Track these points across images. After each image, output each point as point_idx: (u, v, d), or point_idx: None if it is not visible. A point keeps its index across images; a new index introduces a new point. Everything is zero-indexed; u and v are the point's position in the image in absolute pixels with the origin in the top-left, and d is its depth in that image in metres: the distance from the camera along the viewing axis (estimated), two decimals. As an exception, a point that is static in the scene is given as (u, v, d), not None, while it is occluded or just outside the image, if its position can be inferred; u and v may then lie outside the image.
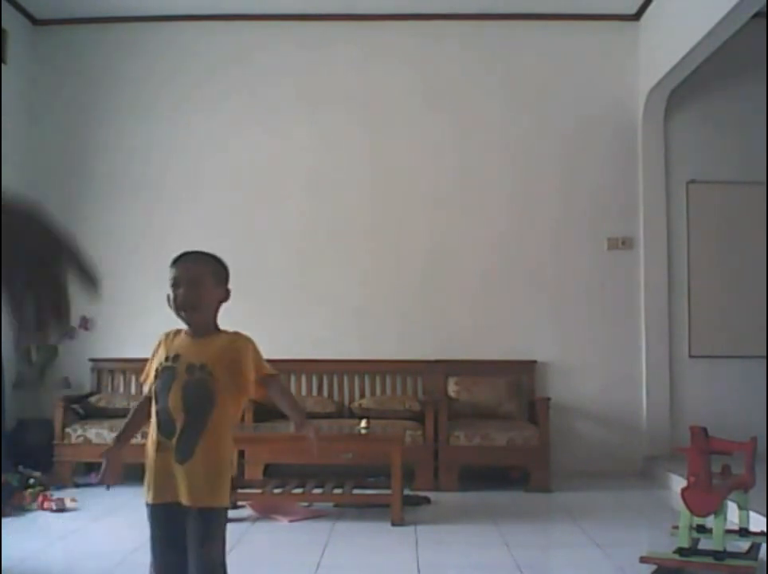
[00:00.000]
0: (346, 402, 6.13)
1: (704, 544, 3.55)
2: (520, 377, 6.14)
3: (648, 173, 6.32)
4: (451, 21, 6.41)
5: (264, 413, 5.75)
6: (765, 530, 3.77)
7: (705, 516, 3.42)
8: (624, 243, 6.31)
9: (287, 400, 2.42)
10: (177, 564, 2.16)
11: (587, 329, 6.28)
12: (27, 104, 6.37)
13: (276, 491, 4.77)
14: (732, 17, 4.87)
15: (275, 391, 2.35)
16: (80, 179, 6.43)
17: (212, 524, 2.15)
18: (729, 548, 3.45)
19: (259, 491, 4.81)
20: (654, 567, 3.44)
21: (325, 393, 6.18)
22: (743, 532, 3.70)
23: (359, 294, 6.25)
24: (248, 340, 2.29)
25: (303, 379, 6.23)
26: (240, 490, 4.82)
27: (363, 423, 4.79)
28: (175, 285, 2.21)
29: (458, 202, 6.35)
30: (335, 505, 4.80)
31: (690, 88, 6.23)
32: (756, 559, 3.50)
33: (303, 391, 6.20)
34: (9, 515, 4.57)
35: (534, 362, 6.23)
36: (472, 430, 5.52)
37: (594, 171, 6.36)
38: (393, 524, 4.41)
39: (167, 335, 2.30)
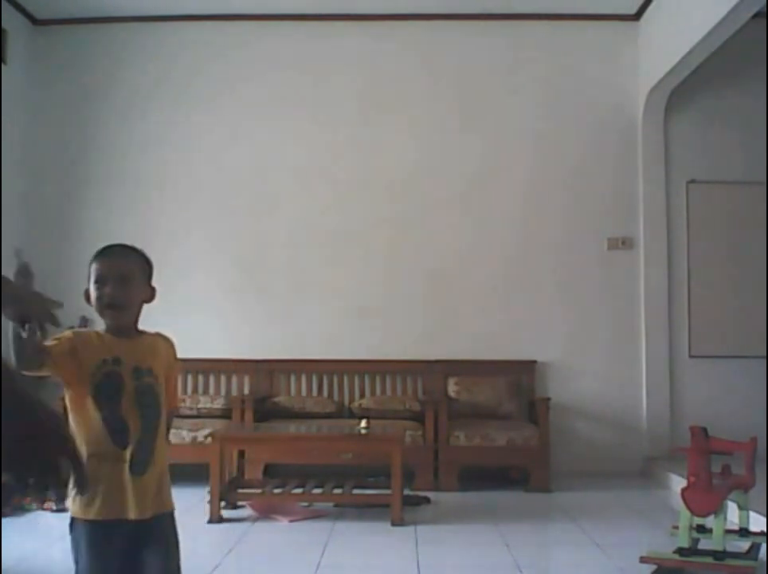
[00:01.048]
0: (346, 402, 6.13)
1: (704, 544, 3.55)
2: (520, 377, 6.14)
3: (648, 173, 6.32)
4: (450, 22, 6.41)
5: (265, 413, 5.76)
6: (765, 530, 3.77)
7: (705, 516, 3.42)
8: (624, 243, 6.31)
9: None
10: None
11: (587, 329, 6.28)
12: (27, 104, 6.37)
13: (276, 491, 4.77)
14: (732, 17, 4.86)
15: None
16: (80, 179, 6.43)
17: (173, 528, 2.04)
18: (729, 548, 3.45)
19: (259, 491, 4.81)
20: (654, 567, 3.44)
21: (325, 393, 6.18)
22: (743, 532, 3.70)
23: (359, 294, 6.25)
24: (173, 345, 2.15)
25: (303, 379, 6.23)
26: (240, 490, 4.82)
27: (363, 423, 4.79)
28: (100, 281, 2.04)
29: (457, 204, 6.35)
30: (335, 505, 4.80)
31: (690, 88, 6.23)
32: (756, 559, 3.50)
33: (304, 391, 6.19)
34: (9, 515, 4.57)
35: (534, 362, 6.22)
36: (472, 430, 5.52)
37: (594, 171, 6.36)
38: (393, 524, 4.41)
39: (85, 335, 2.07)
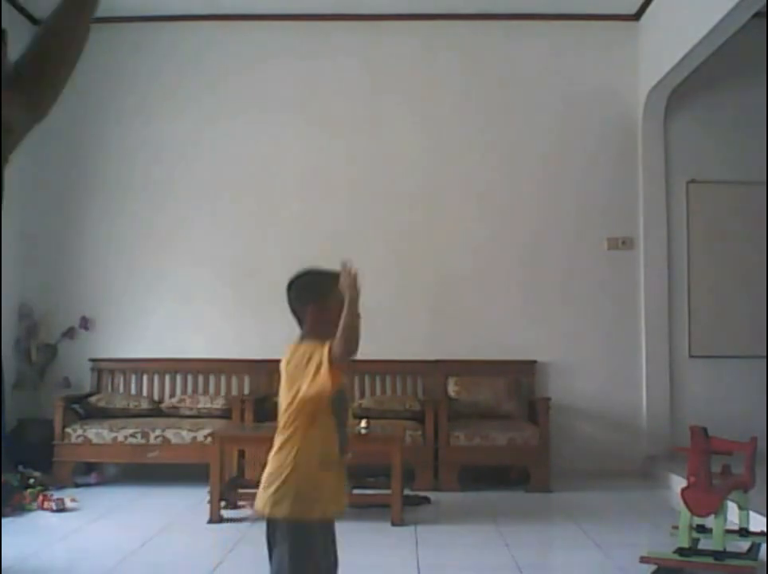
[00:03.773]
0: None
1: (704, 544, 3.56)
2: (520, 377, 6.14)
3: (648, 173, 6.32)
4: (450, 21, 6.41)
5: (265, 413, 5.75)
6: (765, 530, 3.77)
7: (705, 516, 3.42)
8: (624, 243, 6.31)
9: None
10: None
11: (587, 329, 6.28)
12: (27, 104, 6.36)
13: (276, 491, 4.76)
14: (732, 17, 4.86)
15: None
16: (81, 180, 6.43)
17: None
18: (729, 548, 3.45)
19: (259, 491, 4.80)
20: (654, 567, 3.44)
21: (325, 393, 6.17)
22: (743, 532, 3.70)
23: (360, 295, 6.24)
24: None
25: (303, 379, 6.22)
26: (240, 490, 4.82)
27: (363, 423, 4.79)
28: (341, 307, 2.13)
29: (456, 204, 6.35)
30: (335, 505, 4.79)
31: (690, 88, 6.23)
32: (756, 559, 3.50)
33: (303, 391, 6.19)
34: (9, 515, 4.57)
35: (534, 362, 6.22)
36: (472, 430, 5.52)
37: (594, 171, 6.36)
38: (393, 524, 4.41)
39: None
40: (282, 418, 2.14)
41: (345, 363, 2.03)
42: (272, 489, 2.08)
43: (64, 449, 5.53)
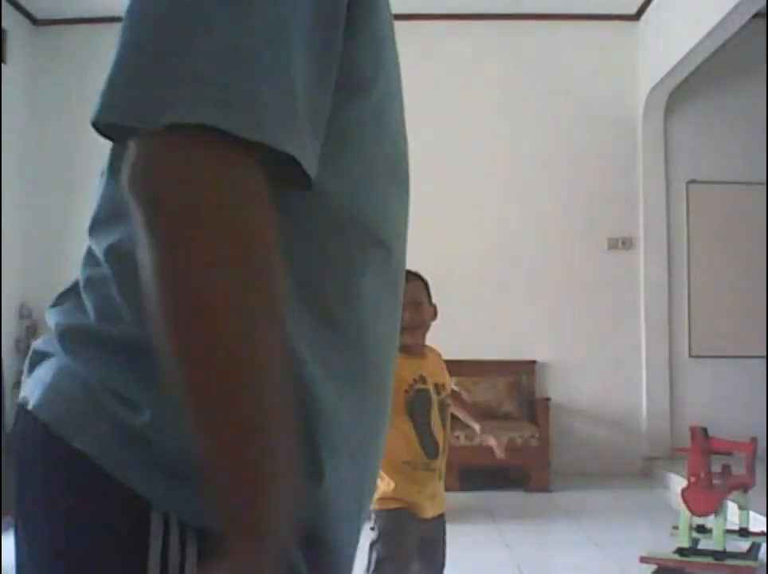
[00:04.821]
0: (346, 402, 6.13)
1: (704, 544, 3.55)
2: (520, 377, 6.14)
3: (648, 173, 6.32)
4: (450, 21, 6.41)
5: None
6: (765, 530, 3.77)
7: (705, 516, 3.42)
8: (624, 243, 6.31)
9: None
10: None
11: (587, 329, 6.27)
12: (27, 104, 6.37)
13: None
14: (732, 17, 4.86)
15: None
16: (80, 179, 6.43)
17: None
18: (729, 548, 3.45)
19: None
20: (654, 567, 3.44)
21: (325, 393, 6.17)
22: (743, 532, 3.70)
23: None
24: (440, 354, 2.46)
25: (303, 379, 6.22)
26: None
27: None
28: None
29: (456, 205, 6.35)
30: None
31: (690, 88, 6.23)
32: (756, 559, 3.50)
33: (303, 391, 6.19)
34: (10, 515, 4.57)
35: (534, 362, 6.22)
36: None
37: (594, 171, 6.35)
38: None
39: None
40: None
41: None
42: None
43: (64, 449, 5.52)
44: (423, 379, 2.27)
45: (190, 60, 0.59)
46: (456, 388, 2.55)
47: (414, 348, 2.31)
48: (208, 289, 0.58)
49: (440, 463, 2.25)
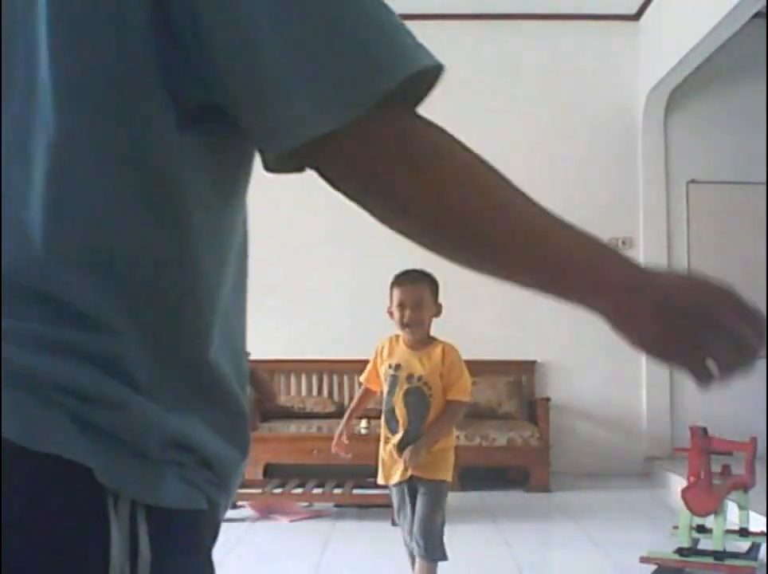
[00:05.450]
0: (346, 402, 6.12)
1: (704, 544, 3.55)
2: (520, 377, 6.14)
3: (648, 173, 6.33)
4: (449, 21, 6.41)
5: (264, 413, 5.75)
6: (765, 530, 3.77)
7: (705, 516, 3.42)
8: (624, 243, 6.31)
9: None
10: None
11: (587, 329, 6.22)
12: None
13: (276, 491, 4.77)
14: (732, 17, 4.86)
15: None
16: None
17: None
18: (729, 548, 3.45)
19: (259, 491, 4.81)
20: (654, 567, 3.44)
21: (325, 393, 6.18)
22: (743, 532, 3.70)
23: (360, 294, 6.24)
24: (450, 350, 2.81)
25: (303, 379, 6.23)
26: (240, 490, 4.82)
27: (363, 423, 4.79)
28: (401, 306, 2.79)
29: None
30: (335, 505, 4.80)
31: (690, 88, 6.23)
32: (756, 559, 3.51)
33: (304, 391, 6.19)
34: (9, 515, 4.57)
35: (534, 362, 6.23)
36: (472, 430, 5.52)
37: (594, 171, 6.36)
38: (394, 524, 4.40)
39: (380, 347, 2.95)
40: None
41: None
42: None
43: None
44: (398, 367, 2.74)
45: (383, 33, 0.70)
46: (461, 399, 2.93)
47: (414, 343, 2.74)
48: (511, 199, 0.83)
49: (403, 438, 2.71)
